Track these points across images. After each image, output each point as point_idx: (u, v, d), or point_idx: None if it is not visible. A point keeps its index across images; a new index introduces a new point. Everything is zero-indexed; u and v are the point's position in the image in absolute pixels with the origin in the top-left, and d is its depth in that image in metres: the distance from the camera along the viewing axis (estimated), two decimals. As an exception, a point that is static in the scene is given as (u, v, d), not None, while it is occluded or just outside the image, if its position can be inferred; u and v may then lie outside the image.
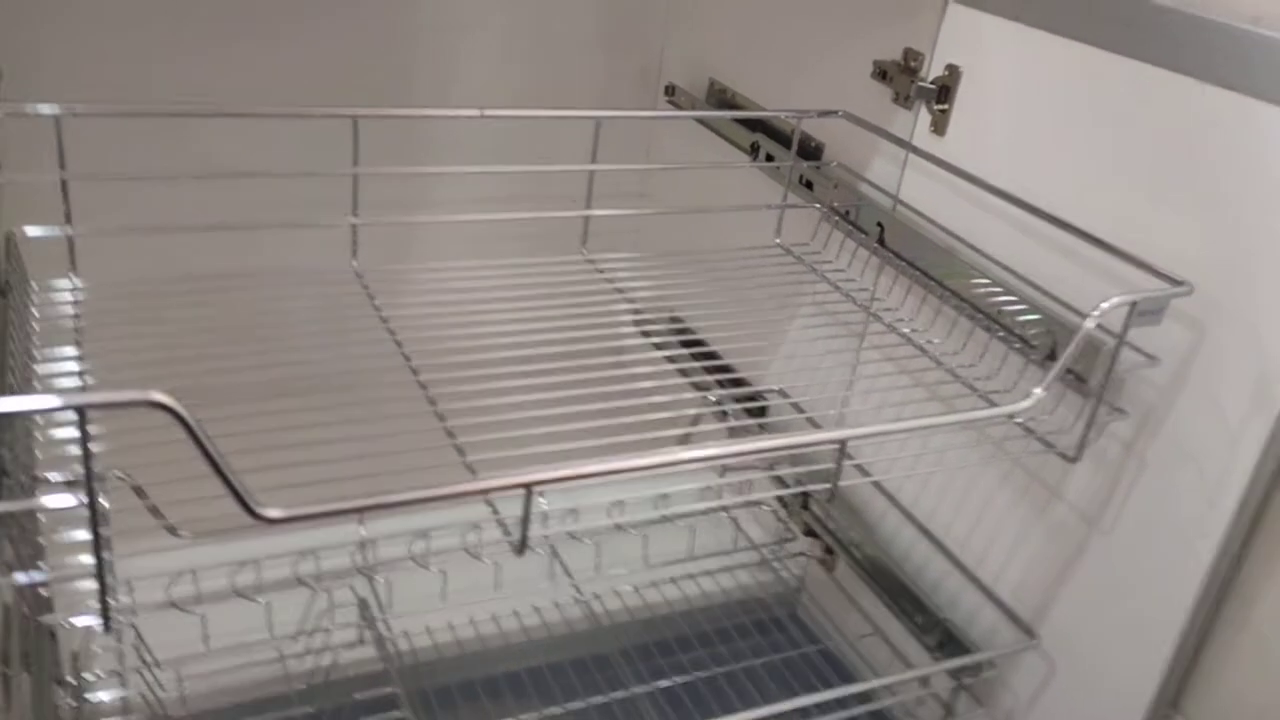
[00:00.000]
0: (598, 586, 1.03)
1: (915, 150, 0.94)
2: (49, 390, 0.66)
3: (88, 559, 0.49)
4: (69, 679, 0.80)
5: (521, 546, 0.58)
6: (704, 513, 1.09)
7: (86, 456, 0.45)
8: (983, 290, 0.86)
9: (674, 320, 1.14)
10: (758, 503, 1.17)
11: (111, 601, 0.49)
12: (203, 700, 0.87)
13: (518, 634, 0.99)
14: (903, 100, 0.97)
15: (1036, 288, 0.83)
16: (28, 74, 0.93)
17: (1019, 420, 0.78)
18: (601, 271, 0.94)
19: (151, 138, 0.92)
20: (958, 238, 0.90)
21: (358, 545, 0.92)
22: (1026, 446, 0.80)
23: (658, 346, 1.01)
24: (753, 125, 1.15)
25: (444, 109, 0.93)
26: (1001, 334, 0.85)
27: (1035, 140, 0.84)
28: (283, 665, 0.88)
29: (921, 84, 0.93)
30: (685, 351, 1.09)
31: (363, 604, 0.93)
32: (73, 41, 1.05)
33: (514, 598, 0.99)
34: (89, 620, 0.53)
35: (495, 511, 0.61)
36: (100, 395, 0.44)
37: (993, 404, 0.83)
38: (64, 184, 0.77)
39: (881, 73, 0.98)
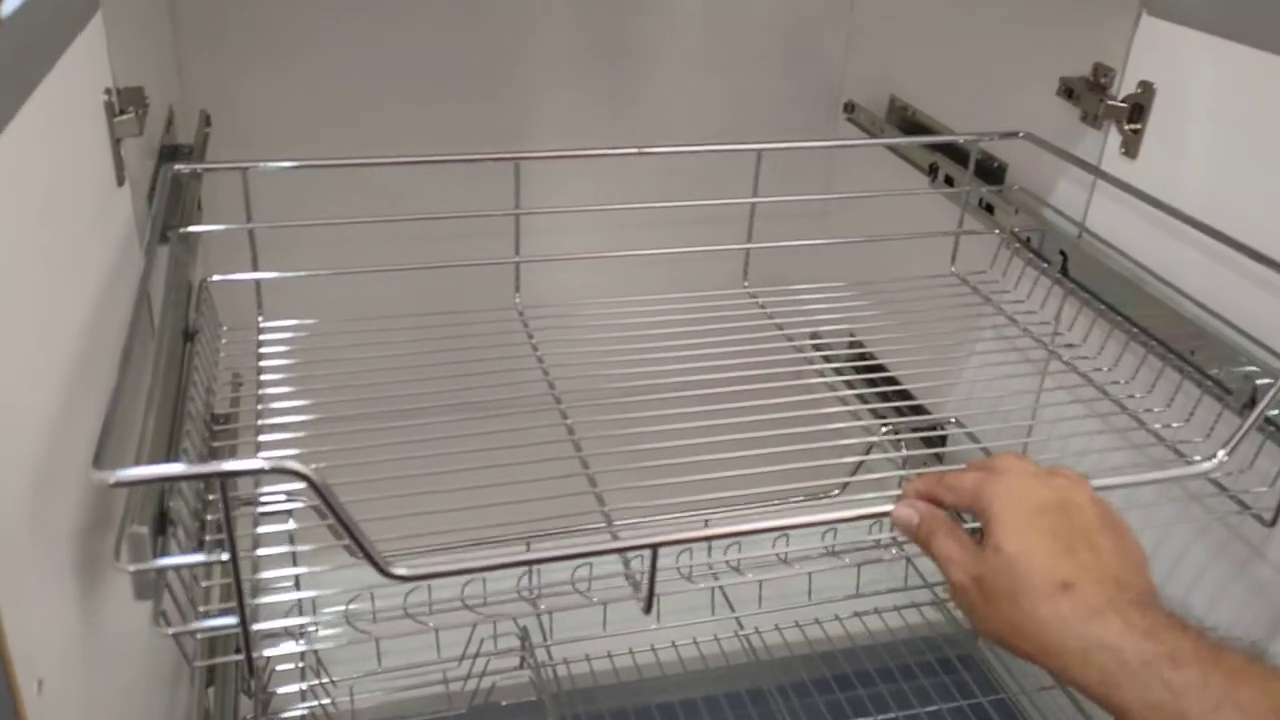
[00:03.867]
0: (760, 620, 1.02)
1: (1104, 175, 0.88)
2: (230, 440, 0.71)
3: (232, 621, 0.52)
4: (254, 692, 0.86)
5: (648, 606, 0.57)
6: (872, 548, 1.05)
7: (228, 519, 0.48)
8: (1175, 328, 0.80)
9: (851, 345, 1.11)
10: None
11: (255, 654, 0.52)
12: (372, 715, 0.91)
13: (674, 665, 0.98)
14: (1091, 119, 0.90)
15: (1235, 328, 0.75)
16: (232, 121, 1.00)
17: (1210, 477, 0.72)
18: (763, 306, 0.93)
19: (336, 183, 0.98)
20: (1149, 270, 0.83)
21: (522, 574, 0.94)
22: (1219, 505, 0.73)
23: (826, 377, 0.99)
24: (933, 146, 1.10)
25: (604, 149, 0.94)
26: (1195, 377, 0.78)
27: (1238, 165, 0.76)
28: (446, 688, 0.91)
29: (1112, 102, 0.87)
30: (855, 376, 1.06)
31: (524, 632, 0.96)
32: (270, 91, 1.13)
33: (673, 629, 0.99)
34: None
35: (626, 565, 0.61)
36: (237, 464, 0.46)
37: (1180, 455, 0.76)
38: (251, 233, 0.82)
39: (1068, 90, 0.92)
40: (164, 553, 0.51)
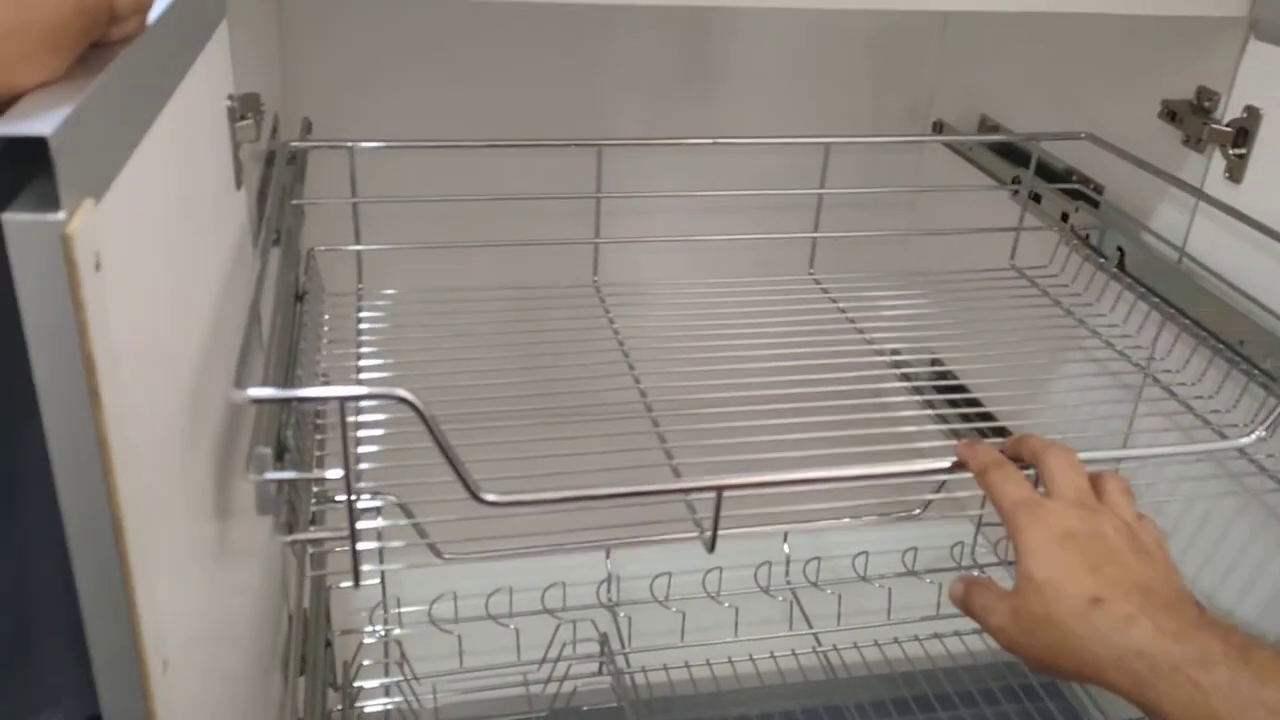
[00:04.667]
0: (837, 638, 1.01)
1: (1206, 198, 0.86)
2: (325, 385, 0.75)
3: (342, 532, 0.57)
4: (341, 685, 0.88)
5: (711, 545, 0.61)
6: (952, 570, 1.04)
7: (345, 437, 0.53)
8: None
9: (934, 362, 1.10)
10: (1014, 562, 1.11)
11: (362, 561, 0.58)
12: (452, 713, 0.92)
13: (751, 678, 0.98)
14: (1194, 143, 0.89)
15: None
16: (333, 128, 1.04)
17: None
18: (827, 292, 0.95)
19: (430, 171, 1.03)
20: (1255, 300, 0.81)
21: (602, 580, 0.95)
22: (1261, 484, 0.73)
23: (913, 389, 0.98)
24: (1016, 159, 1.09)
25: (679, 138, 1.05)
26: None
27: (1350, 193, 0.75)
28: (525, 689, 0.92)
29: (1216, 126, 0.86)
30: (935, 388, 1.05)
31: (604, 637, 0.97)
32: (368, 99, 1.17)
33: (751, 641, 0.99)
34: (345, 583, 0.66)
35: (693, 511, 0.64)
36: (357, 389, 0.55)
37: (1266, 470, 0.75)
38: (355, 207, 0.89)
39: (1170, 113, 0.91)
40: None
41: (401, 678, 0.92)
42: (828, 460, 0.66)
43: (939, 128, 1.29)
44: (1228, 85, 0.85)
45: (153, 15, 0.48)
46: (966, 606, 0.59)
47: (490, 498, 0.53)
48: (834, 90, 1.30)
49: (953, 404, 1.01)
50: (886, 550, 1.03)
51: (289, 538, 0.59)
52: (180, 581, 0.49)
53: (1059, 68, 1.10)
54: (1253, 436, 0.65)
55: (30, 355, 0.35)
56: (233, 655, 0.63)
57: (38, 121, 0.34)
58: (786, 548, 1.02)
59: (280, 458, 0.56)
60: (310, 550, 0.86)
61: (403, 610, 0.94)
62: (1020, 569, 0.55)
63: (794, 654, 1.00)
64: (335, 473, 0.55)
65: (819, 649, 1.01)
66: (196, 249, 0.57)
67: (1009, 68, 1.20)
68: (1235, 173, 0.85)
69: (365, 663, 0.92)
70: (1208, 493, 0.85)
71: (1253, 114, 0.83)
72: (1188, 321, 0.85)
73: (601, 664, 0.95)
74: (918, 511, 1.07)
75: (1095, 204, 1.00)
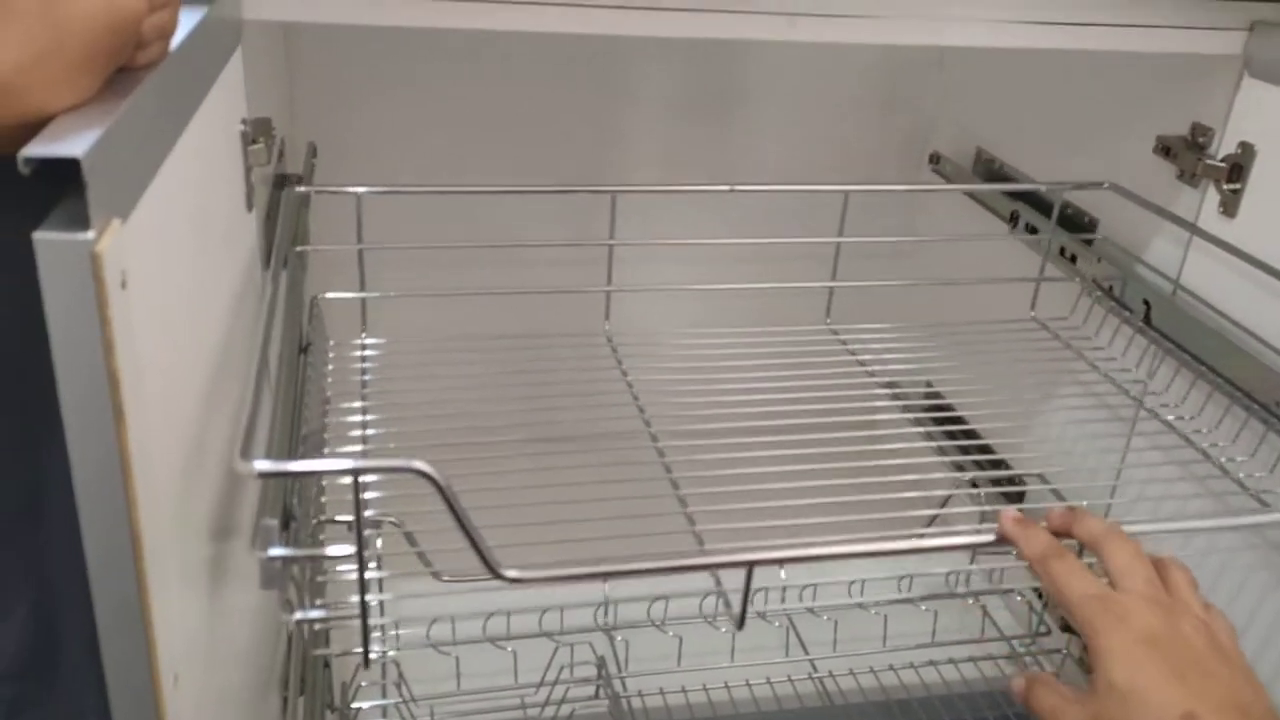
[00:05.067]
0: (833, 664, 1.02)
1: (1199, 231, 0.88)
2: (335, 447, 0.74)
3: (355, 599, 0.55)
4: (339, 706, 0.88)
5: (740, 621, 0.59)
6: (949, 597, 1.04)
7: (358, 514, 0.51)
8: (1273, 388, 0.79)
9: (925, 390, 1.11)
10: (1010, 590, 1.12)
11: (374, 642, 0.54)
12: (451, 736, 0.92)
13: (748, 704, 0.98)
14: (1188, 178, 0.90)
15: (1337, 391, 0.75)
16: (337, 153, 1.05)
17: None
18: (845, 343, 0.95)
19: (435, 213, 1.02)
20: (1250, 331, 0.83)
21: (599, 604, 0.95)
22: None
23: (910, 419, 1.00)
24: (1015, 195, 1.11)
25: (694, 185, 0.98)
26: (1294, 439, 0.77)
27: (1342, 229, 0.76)
28: (523, 712, 0.92)
29: (1210, 162, 0.87)
30: (933, 420, 1.06)
31: (600, 661, 0.97)
32: (375, 126, 1.18)
33: (748, 667, 1.00)
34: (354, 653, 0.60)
35: (719, 584, 0.63)
36: (371, 462, 0.50)
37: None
38: (360, 254, 0.87)
39: (1165, 148, 0.93)
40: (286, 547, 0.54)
41: (399, 699, 0.92)
42: (846, 524, 0.65)
43: (936, 159, 1.30)
44: (1222, 121, 0.87)
45: (174, 41, 0.49)
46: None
47: (512, 574, 0.52)
48: (833, 121, 1.32)
49: (978, 465, 1.02)
50: (882, 577, 1.03)
51: (294, 617, 0.56)
52: (188, 598, 0.50)
53: (1054, 102, 1.11)
54: None
55: (56, 371, 0.35)
56: (233, 674, 0.63)
57: (70, 143, 0.35)
58: (783, 573, 1.02)
59: (286, 526, 0.54)
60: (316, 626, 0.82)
61: (401, 632, 0.94)
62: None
63: (790, 680, 1.00)
64: (344, 548, 0.53)
65: (815, 675, 1.01)
66: (212, 269, 0.58)
67: (1005, 101, 1.22)
68: (1229, 208, 0.86)
69: (363, 684, 0.92)
70: (1245, 564, 0.82)
71: (1247, 150, 0.84)
72: (1236, 391, 0.82)
73: (598, 687, 0.96)
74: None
75: (1090, 233, 1.02)
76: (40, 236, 0.34)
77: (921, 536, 0.63)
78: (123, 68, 0.43)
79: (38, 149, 0.34)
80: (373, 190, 0.86)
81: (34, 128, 0.36)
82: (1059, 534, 0.59)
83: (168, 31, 0.46)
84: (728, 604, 0.63)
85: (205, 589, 0.54)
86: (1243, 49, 0.84)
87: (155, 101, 0.44)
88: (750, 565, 0.57)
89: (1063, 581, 0.56)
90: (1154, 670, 0.51)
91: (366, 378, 0.84)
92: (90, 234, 0.34)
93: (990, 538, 0.59)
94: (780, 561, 0.57)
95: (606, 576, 0.55)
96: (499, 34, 0.73)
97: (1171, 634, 0.53)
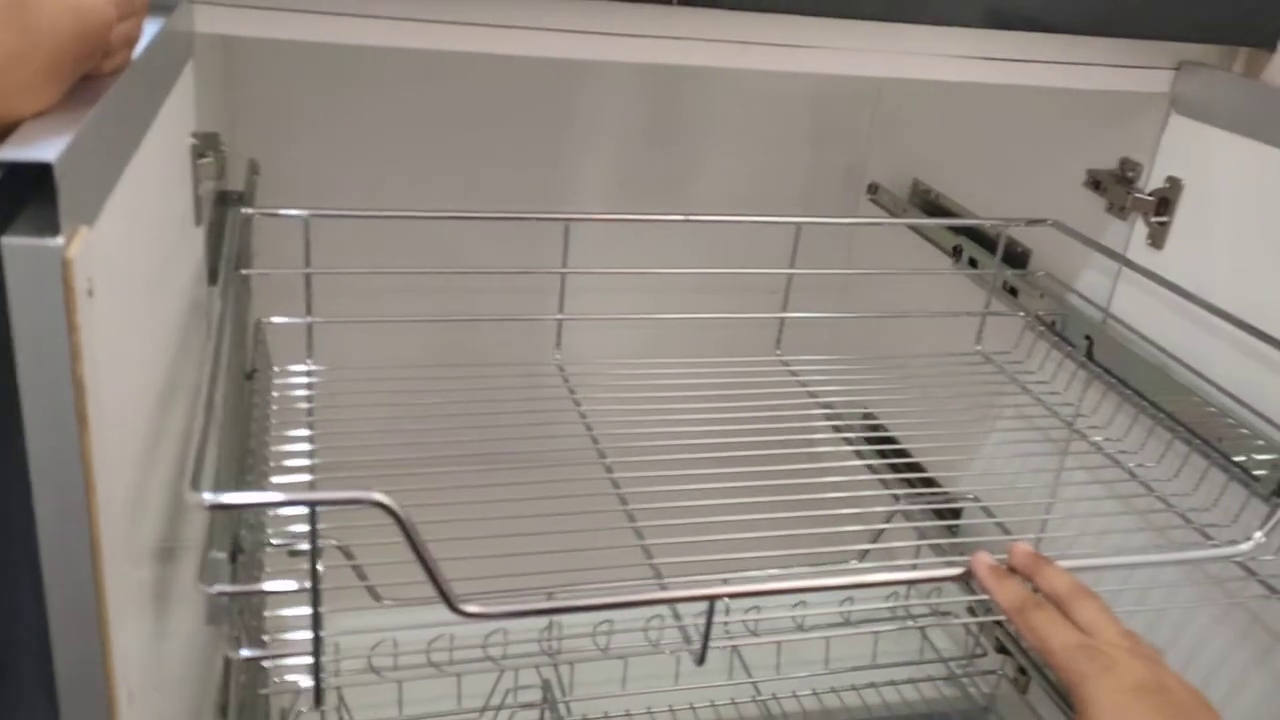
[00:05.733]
0: (777, 687, 1.02)
1: (1130, 264, 0.91)
2: (285, 475, 0.72)
3: (306, 634, 0.54)
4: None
5: (702, 657, 0.58)
6: (888, 619, 1.06)
7: (313, 549, 0.49)
8: (1200, 414, 0.82)
9: (868, 419, 1.13)
10: (947, 613, 1.14)
11: (323, 679, 0.52)
12: (392, 764, 0.91)
13: (694, 728, 0.99)
14: (1117, 211, 0.94)
15: (1262, 416, 0.78)
16: (279, 170, 1.03)
17: (1238, 560, 0.74)
18: (795, 374, 0.95)
19: (383, 235, 1.01)
20: (1175, 357, 0.86)
21: (545, 627, 0.95)
22: (1245, 589, 0.75)
23: (853, 449, 1.01)
24: (959, 230, 1.14)
25: (644, 210, 0.98)
26: (1221, 463, 0.80)
27: (1265, 261, 0.80)
28: (468, 739, 0.92)
29: (1139, 195, 0.91)
30: (876, 449, 1.08)
31: (546, 685, 0.96)
32: (318, 143, 1.17)
33: (693, 690, 1.00)
34: (303, 688, 0.58)
35: (678, 618, 0.62)
36: (329, 494, 0.48)
37: (1208, 538, 0.78)
38: (307, 278, 0.84)
39: (1095, 182, 0.96)
40: (234, 580, 0.53)
41: (339, 725, 0.90)
42: (790, 545, 0.66)
43: (874, 189, 1.33)
44: (1150, 156, 0.90)
45: (136, 51, 0.49)
46: None
47: (471, 609, 0.50)
48: (773, 150, 1.34)
49: (916, 491, 1.04)
50: (823, 600, 1.04)
51: (241, 654, 0.55)
52: (140, 616, 0.48)
53: (988, 135, 1.15)
54: (1251, 543, 0.63)
55: (19, 377, 0.35)
56: (171, 698, 0.62)
57: (40, 148, 0.34)
58: (727, 600, 1.03)
59: (234, 559, 0.52)
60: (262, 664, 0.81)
61: (342, 660, 0.93)
62: None
63: (734, 703, 1.01)
64: (294, 584, 0.51)
65: (758, 698, 1.02)
66: (166, 281, 0.57)
67: (941, 133, 1.25)
68: (1157, 240, 0.89)
69: (303, 709, 0.90)
70: (1186, 600, 0.83)
71: (1174, 184, 0.88)
72: (1161, 415, 0.85)
73: (543, 711, 0.95)
74: (854, 562, 1.10)
75: (1023, 265, 1.05)
76: (9, 242, 0.33)
77: (876, 568, 0.64)
78: (88, 75, 0.43)
79: (9, 153, 0.34)
80: (319, 214, 0.84)
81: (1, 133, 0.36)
82: (1020, 574, 0.60)
83: (133, 40, 0.46)
84: (686, 637, 0.63)
85: (152, 608, 0.53)
86: (1170, 87, 0.88)
87: (119, 109, 0.43)
88: (711, 599, 0.57)
89: (1044, 632, 0.56)
90: (1143, 718, 0.52)
91: (312, 404, 0.83)
92: (60, 240, 0.34)
93: (954, 572, 0.60)
94: (743, 595, 0.57)
95: (563, 611, 0.54)
96: (448, 55, 0.73)
97: (1158, 684, 0.54)
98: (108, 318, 0.40)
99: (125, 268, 0.45)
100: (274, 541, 0.65)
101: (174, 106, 0.61)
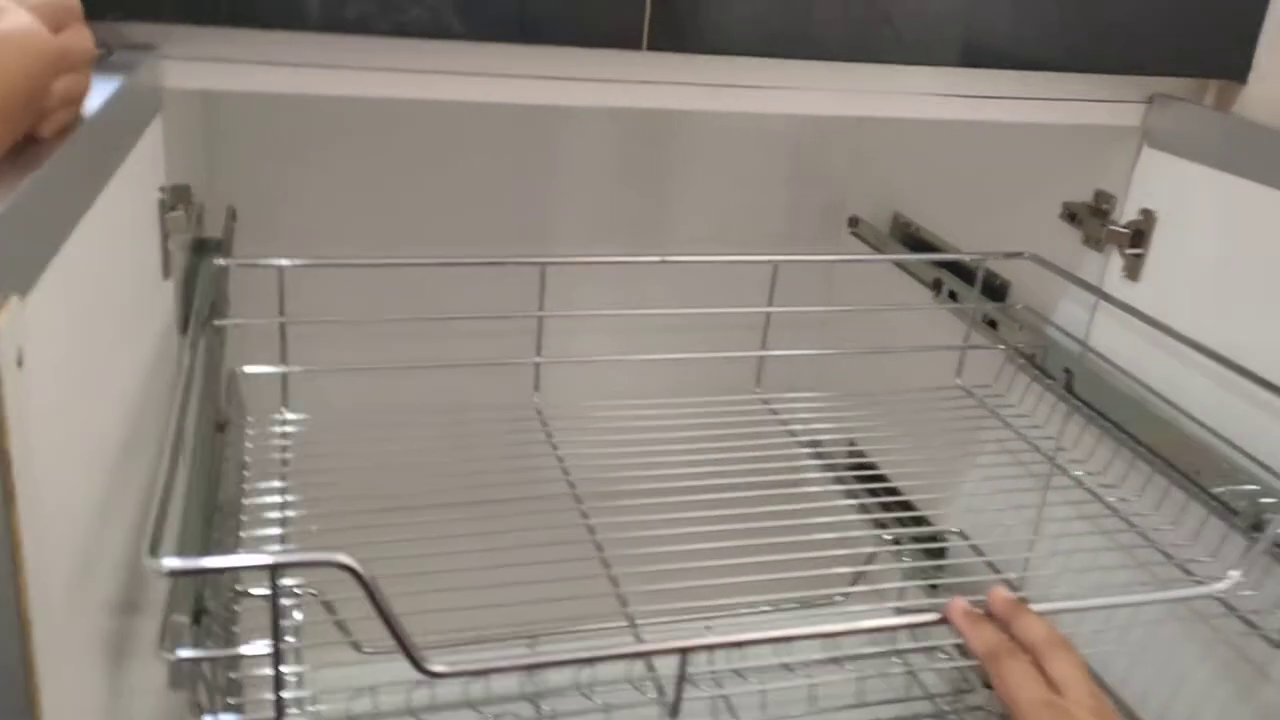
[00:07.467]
0: (763, 729, 1.01)
1: (1106, 296, 0.91)
2: (253, 530, 0.72)
3: (269, 696, 0.53)
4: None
5: (674, 710, 0.57)
6: (874, 656, 1.05)
7: (275, 614, 0.48)
8: (1179, 447, 0.81)
9: (850, 455, 1.12)
10: (934, 648, 1.12)
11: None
12: (372, 816, 0.89)
13: (679, 773, 0.97)
14: (1093, 243, 0.94)
15: (1237, 448, 0.77)
16: (257, 218, 1.03)
17: (1218, 597, 0.73)
18: (775, 411, 0.95)
19: (360, 282, 1.01)
20: (1153, 390, 0.85)
21: (525, 674, 0.93)
22: (1226, 625, 0.74)
23: (835, 486, 1.00)
24: (939, 263, 1.13)
25: (622, 252, 0.98)
26: (1200, 496, 0.79)
27: (1240, 292, 0.79)
28: (448, 790, 0.90)
29: (1114, 227, 0.90)
30: (858, 486, 1.07)
31: (528, 731, 0.95)
32: (299, 190, 1.18)
33: (677, 735, 0.98)
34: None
35: (651, 669, 0.62)
36: (291, 557, 0.49)
37: (1189, 574, 0.77)
38: (282, 327, 0.84)
39: (1071, 214, 0.96)
40: (198, 643, 0.52)
41: (317, 779, 0.89)
42: (774, 584, 0.65)
43: (854, 223, 1.33)
44: (1124, 189, 0.90)
45: (90, 107, 0.49)
46: None
47: (437, 668, 0.50)
48: (754, 186, 1.34)
49: (886, 507, 1.03)
50: (807, 641, 1.03)
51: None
52: (87, 681, 0.48)
53: (966, 168, 1.15)
54: (1229, 581, 0.62)
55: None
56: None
57: (-34, 220, 0.34)
58: (710, 637, 1.02)
59: (198, 621, 0.52)
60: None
61: (321, 708, 0.92)
62: None
63: (719, 746, 0.99)
64: (260, 647, 0.51)
65: (744, 740, 1.00)
66: (123, 340, 0.57)
67: (919, 167, 1.25)
68: (1133, 271, 0.89)
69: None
70: (1169, 636, 0.83)
71: (1148, 216, 0.88)
72: (1141, 448, 0.85)
73: (526, 758, 0.94)
74: (840, 599, 1.09)
75: (1002, 298, 1.04)
76: (-66, 314, 0.33)
77: (855, 614, 0.63)
78: (30, 135, 0.42)
79: (-67, 224, 0.33)
80: (296, 264, 0.84)
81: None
82: (998, 619, 0.60)
83: (76, 97, 0.46)
84: (659, 689, 0.62)
85: (105, 671, 0.52)
86: (1141, 121, 0.88)
87: (63, 174, 0.43)
88: (684, 652, 0.56)
89: (1013, 683, 0.56)
90: None
91: (288, 455, 0.82)
92: (-14, 312, 0.33)
93: (931, 618, 0.60)
94: (715, 647, 0.57)
95: (532, 668, 0.53)
96: (421, 103, 0.73)
97: None
98: (46, 386, 0.39)
99: (69, 333, 0.44)
100: (251, 592, 0.65)
101: (139, 161, 0.61)
